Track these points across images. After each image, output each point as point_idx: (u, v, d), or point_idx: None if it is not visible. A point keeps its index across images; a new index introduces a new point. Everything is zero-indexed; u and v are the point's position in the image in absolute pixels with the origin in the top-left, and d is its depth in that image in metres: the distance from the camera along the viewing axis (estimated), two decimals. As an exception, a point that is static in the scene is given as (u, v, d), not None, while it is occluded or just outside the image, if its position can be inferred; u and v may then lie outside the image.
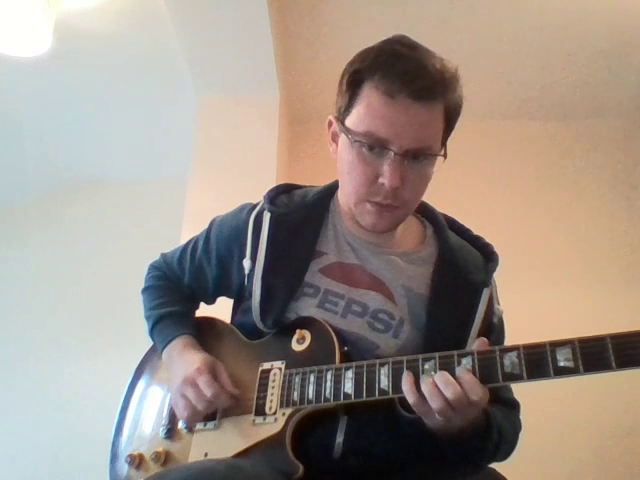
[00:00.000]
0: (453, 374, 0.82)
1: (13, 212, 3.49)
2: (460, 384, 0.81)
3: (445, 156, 0.97)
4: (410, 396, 0.83)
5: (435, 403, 0.81)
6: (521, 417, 1.05)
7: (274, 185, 1.15)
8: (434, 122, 0.94)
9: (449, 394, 0.80)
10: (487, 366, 0.81)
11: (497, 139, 3.02)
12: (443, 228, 1.11)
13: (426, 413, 0.85)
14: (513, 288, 1.35)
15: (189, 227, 2.26)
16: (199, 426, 1.01)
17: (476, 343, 0.86)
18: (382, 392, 0.87)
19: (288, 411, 0.93)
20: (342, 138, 0.99)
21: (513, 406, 1.05)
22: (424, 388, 0.82)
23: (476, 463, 0.92)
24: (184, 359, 1.04)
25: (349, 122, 0.96)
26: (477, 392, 0.80)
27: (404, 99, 0.90)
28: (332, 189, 1.12)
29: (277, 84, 2.48)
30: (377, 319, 1.00)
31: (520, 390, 1.04)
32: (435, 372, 0.84)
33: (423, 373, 0.85)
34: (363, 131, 0.93)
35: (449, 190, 1.75)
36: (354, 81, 0.95)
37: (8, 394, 3.14)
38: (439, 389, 0.81)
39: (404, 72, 0.90)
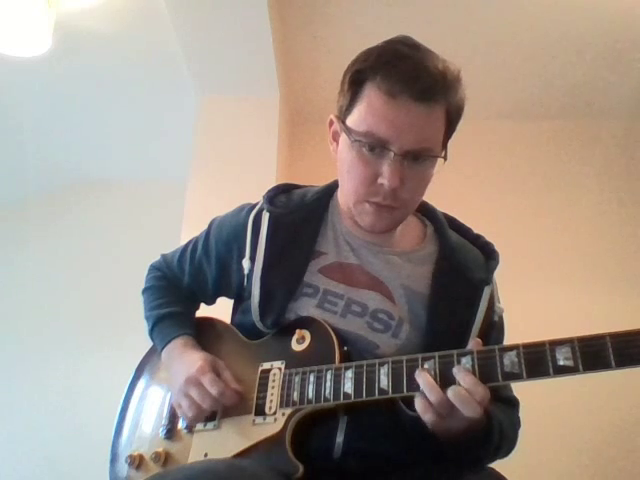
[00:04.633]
0: (451, 374, 0.82)
1: (13, 212, 3.49)
2: (464, 387, 0.80)
3: (445, 158, 0.97)
4: (432, 394, 0.82)
5: (467, 408, 0.80)
6: (520, 415, 1.05)
7: (274, 185, 1.15)
8: (435, 123, 0.93)
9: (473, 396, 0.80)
10: (487, 365, 0.81)
11: (497, 139, 3.02)
12: (443, 227, 1.11)
13: (427, 410, 0.83)
14: (512, 287, 1.35)
15: (189, 227, 2.26)
16: (199, 426, 1.01)
17: (471, 343, 0.86)
18: (382, 392, 0.86)
19: (288, 411, 0.92)
20: (343, 137, 0.99)
21: (513, 404, 1.05)
22: (454, 395, 0.81)
23: (476, 462, 0.92)
24: (184, 359, 1.04)
25: (350, 122, 0.96)
26: (481, 393, 0.80)
27: (406, 99, 0.90)
28: (331, 189, 1.12)
29: (277, 84, 2.48)
30: (376, 319, 1.00)
31: (519, 389, 1.04)
32: (437, 371, 0.83)
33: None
34: (364, 131, 0.93)
35: (448, 190, 1.74)
36: (356, 80, 0.95)
37: (8, 394, 3.14)
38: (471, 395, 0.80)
39: (406, 72, 0.90)
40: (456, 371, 0.82)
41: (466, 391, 0.80)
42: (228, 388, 0.98)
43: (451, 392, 0.81)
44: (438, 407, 0.82)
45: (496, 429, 0.91)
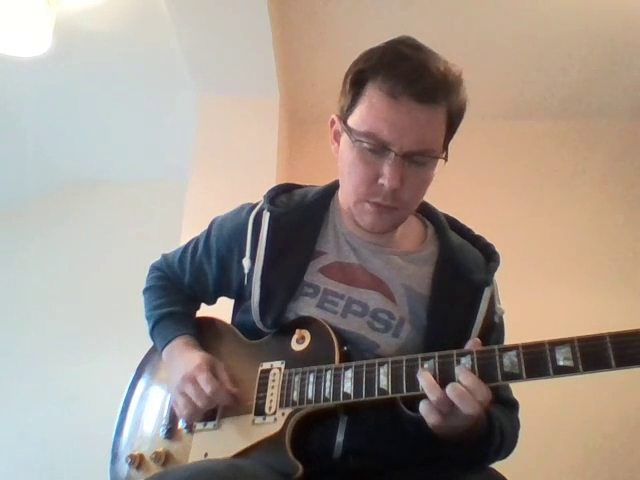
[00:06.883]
0: (453, 373, 0.82)
1: (13, 212, 3.49)
2: (464, 386, 0.80)
3: (446, 159, 0.97)
4: (433, 393, 0.82)
5: (467, 406, 0.80)
6: (519, 416, 1.05)
7: (274, 185, 1.15)
8: (436, 124, 0.93)
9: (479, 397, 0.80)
10: (486, 365, 0.81)
11: (497, 139, 3.02)
12: (444, 228, 1.11)
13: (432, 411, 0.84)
14: (512, 288, 1.35)
15: (189, 227, 2.26)
16: (199, 426, 1.01)
17: (470, 343, 0.86)
18: (381, 392, 0.86)
19: (288, 411, 0.93)
20: (344, 137, 0.99)
21: (513, 406, 1.05)
22: (452, 392, 0.81)
23: (477, 463, 0.92)
24: (184, 358, 1.05)
25: (351, 122, 0.96)
26: (482, 393, 0.80)
27: (407, 100, 0.90)
28: (332, 189, 1.12)
29: (277, 84, 2.48)
30: (377, 318, 1.00)
31: (520, 389, 1.04)
32: (436, 371, 0.84)
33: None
34: (365, 131, 0.93)
35: (448, 189, 1.74)
36: (357, 81, 0.95)
37: (10, 394, 3.14)
38: (471, 393, 0.80)
39: (408, 73, 0.90)
40: (458, 371, 0.82)
41: (465, 388, 0.80)
42: (223, 388, 0.98)
43: (450, 388, 0.81)
44: (438, 405, 0.82)
45: (497, 431, 0.92)
